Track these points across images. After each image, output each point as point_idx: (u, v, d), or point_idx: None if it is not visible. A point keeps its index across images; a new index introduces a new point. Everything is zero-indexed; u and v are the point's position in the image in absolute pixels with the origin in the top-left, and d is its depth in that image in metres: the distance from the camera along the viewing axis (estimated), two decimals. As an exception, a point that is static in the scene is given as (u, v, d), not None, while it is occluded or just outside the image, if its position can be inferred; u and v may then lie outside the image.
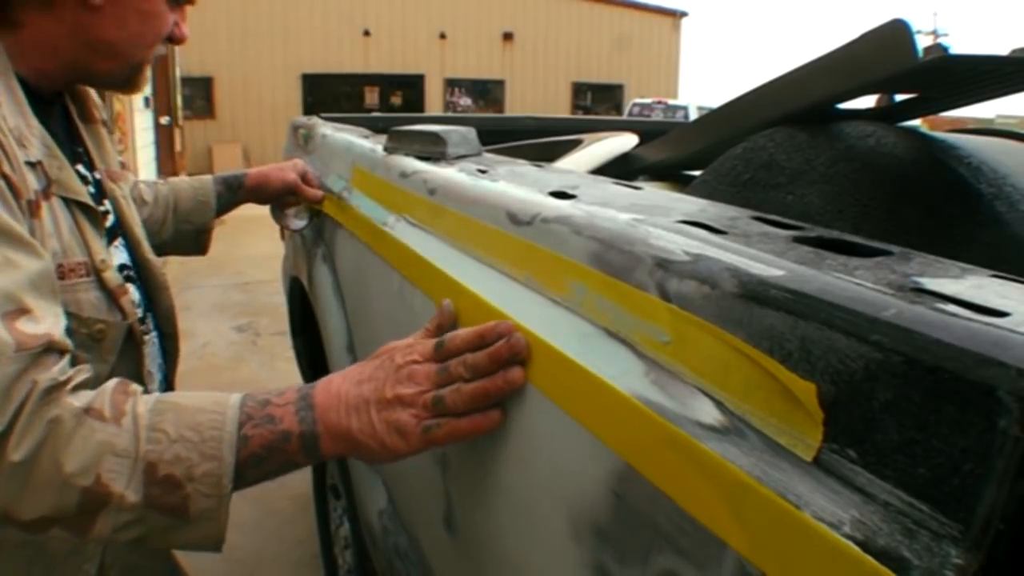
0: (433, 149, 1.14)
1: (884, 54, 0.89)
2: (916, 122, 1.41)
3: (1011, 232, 0.89)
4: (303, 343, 2.18)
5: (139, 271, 0.92)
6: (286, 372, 3.04)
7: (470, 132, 1.18)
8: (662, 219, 0.63)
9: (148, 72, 0.89)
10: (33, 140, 0.74)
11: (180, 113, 8.81)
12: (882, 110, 1.19)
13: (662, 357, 0.52)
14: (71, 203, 0.77)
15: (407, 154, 1.19)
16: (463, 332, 0.66)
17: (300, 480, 2.53)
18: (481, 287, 0.78)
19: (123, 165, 1.03)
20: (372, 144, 1.39)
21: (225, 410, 0.63)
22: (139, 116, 6.91)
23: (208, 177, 1.33)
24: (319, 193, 1.42)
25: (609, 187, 0.83)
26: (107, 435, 0.59)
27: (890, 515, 0.35)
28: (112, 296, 0.79)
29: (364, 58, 15.71)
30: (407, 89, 16.53)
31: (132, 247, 0.92)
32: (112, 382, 0.64)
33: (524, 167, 1.02)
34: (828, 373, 0.40)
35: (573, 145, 1.91)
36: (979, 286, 0.43)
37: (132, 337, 0.83)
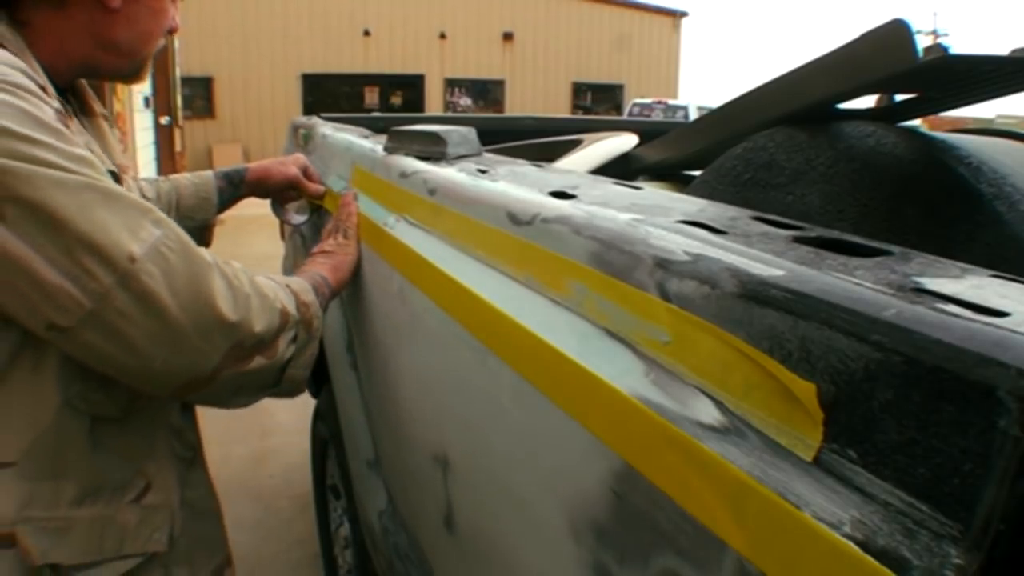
0: (433, 149, 1.14)
1: (884, 54, 0.89)
2: (916, 122, 1.41)
3: (1011, 232, 0.89)
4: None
5: None
6: (286, 372, 3.04)
7: (470, 132, 1.18)
8: (662, 219, 0.63)
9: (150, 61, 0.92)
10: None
11: (180, 113, 8.80)
12: (882, 110, 1.19)
13: (662, 357, 0.52)
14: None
15: (407, 154, 1.19)
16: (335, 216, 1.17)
17: (298, 479, 2.53)
18: (481, 287, 0.78)
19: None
20: (372, 144, 1.39)
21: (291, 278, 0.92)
22: (139, 116, 6.91)
23: (209, 172, 1.33)
24: (320, 188, 1.42)
25: (609, 187, 0.83)
26: (276, 285, 0.84)
27: (890, 515, 0.35)
28: None
29: (364, 58, 15.71)
30: (407, 89, 16.52)
31: None
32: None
33: (524, 167, 1.02)
34: (828, 373, 0.40)
35: (573, 145, 1.91)
36: (979, 286, 0.43)
37: None
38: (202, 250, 0.74)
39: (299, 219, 1.49)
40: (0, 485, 0.71)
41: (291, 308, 0.83)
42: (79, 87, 0.93)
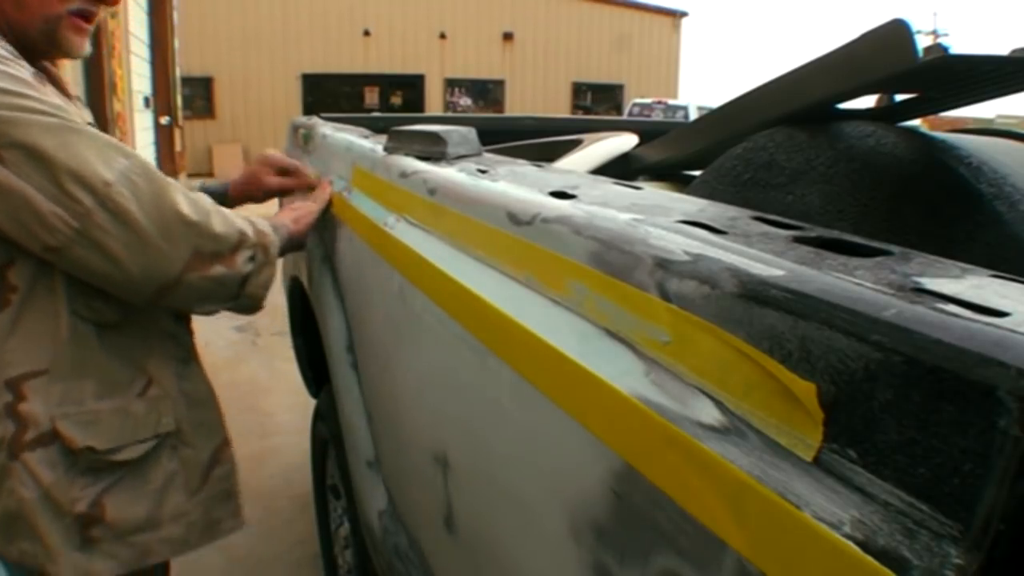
0: (433, 149, 1.14)
1: (884, 54, 0.89)
2: (916, 122, 1.41)
3: (1011, 232, 0.89)
4: (303, 343, 2.18)
5: None
6: (286, 372, 3.04)
7: (470, 132, 1.18)
8: (662, 219, 0.63)
9: (76, 32, 0.94)
10: (51, 93, 0.91)
11: (180, 113, 8.81)
12: (882, 110, 1.19)
13: (662, 357, 0.52)
14: None
15: (407, 154, 1.19)
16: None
17: (299, 479, 2.53)
18: (481, 287, 0.78)
19: None
20: (372, 144, 1.39)
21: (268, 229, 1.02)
22: (139, 116, 6.90)
23: (197, 183, 1.35)
24: (305, 177, 1.39)
25: (609, 187, 0.83)
26: (235, 215, 0.96)
27: (890, 515, 0.35)
28: None
29: (364, 58, 15.70)
30: (407, 89, 16.52)
31: None
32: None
33: (524, 167, 1.02)
34: (828, 373, 0.40)
35: (573, 145, 1.91)
36: (979, 286, 0.43)
37: None
38: (167, 178, 0.88)
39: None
40: (38, 389, 0.89)
41: (248, 231, 0.96)
42: (53, 73, 1.03)
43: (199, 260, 0.90)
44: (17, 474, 0.88)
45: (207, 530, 1.05)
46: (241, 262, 0.95)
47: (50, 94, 0.85)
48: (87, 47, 0.97)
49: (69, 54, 0.97)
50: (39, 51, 0.95)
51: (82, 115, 1.02)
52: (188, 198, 0.90)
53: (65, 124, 0.82)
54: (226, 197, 1.34)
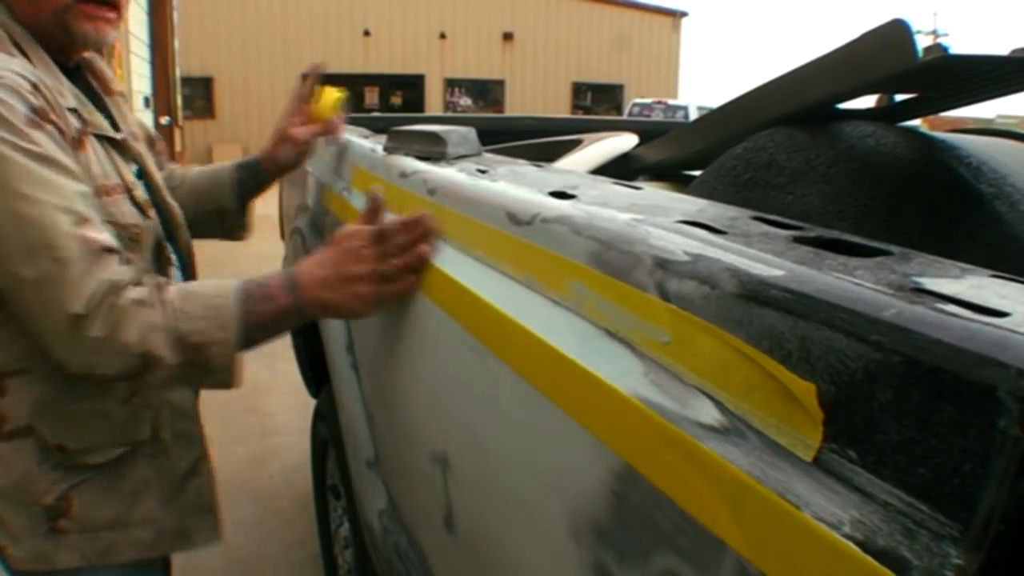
0: (433, 149, 1.14)
1: (884, 54, 0.89)
2: (916, 122, 1.41)
3: (1011, 232, 0.89)
4: (303, 343, 2.18)
5: (160, 212, 1.05)
6: (286, 372, 3.04)
7: (470, 132, 1.18)
8: (662, 219, 0.63)
9: (88, 20, 0.92)
10: (67, 92, 0.91)
11: (180, 113, 8.81)
12: (882, 110, 1.19)
13: (662, 357, 0.52)
14: (102, 139, 0.95)
15: (407, 154, 1.19)
16: (393, 222, 0.91)
17: (301, 480, 2.53)
18: (481, 287, 0.78)
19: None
20: (372, 144, 1.39)
21: (229, 295, 0.85)
22: (139, 116, 6.91)
23: (227, 163, 1.31)
24: (331, 127, 1.28)
25: (609, 187, 0.83)
26: (152, 317, 0.81)
27: (890, 515, 0.35)
28: (142, 208, 0.98)
29: (364, 58, 15.71)
30: (407, 89, 16.53)
31: (152, 191, 1.05)
32: (151, 278, 0.86)
33: (524, 167, 1.02)
34: (828, 373, 0.40)
35: (573, 145, 1.91)
36: (979, 286, 0.43)
37: (160, 257, 1.03)
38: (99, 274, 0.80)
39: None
40: (20, 387, 0.89)
41: (163, 353, 0.81)
42: (97, 69, 1.05)
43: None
44: None
45: (179, 539, 1.03)
46: (158, 379, 0.85)
47: (44, 137, 0.81)
48: (108, 34, 0.95)
49: (88, 44, 0.96)
50: (63, 44, 0.94)
51: (123, 124, 1.03)
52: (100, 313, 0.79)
53: (11, 190, 0.77)
54: (260, 170, 1.27)
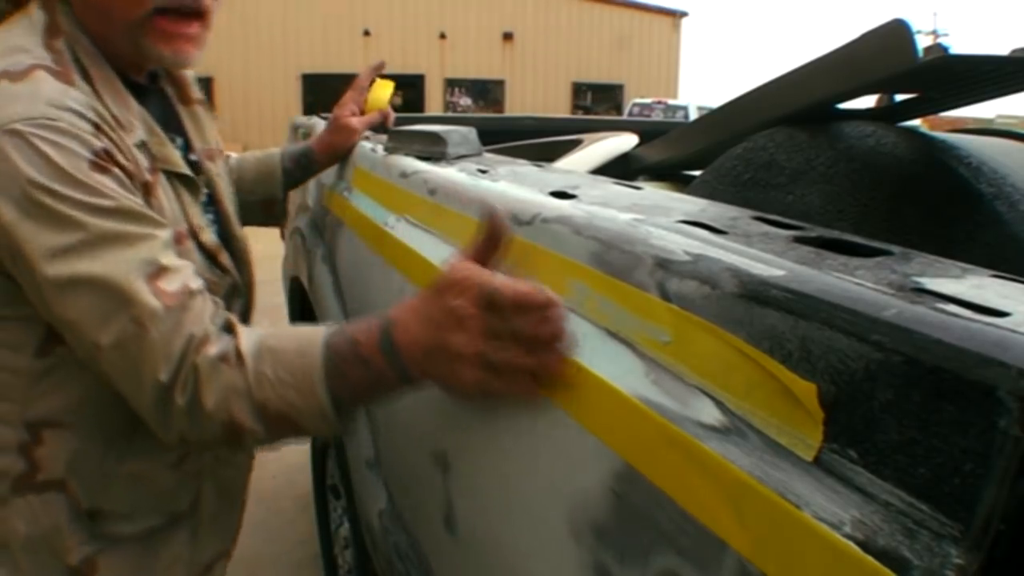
0: (433, 149, 1.14)
1: (884, 54, 0.89)
2: (916, 122, 1.41)
3: (1011, 232, 0.89)
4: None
5: (227, 244, 0.96)
6: (286, 372, 3.04)
7: (470, 132, 1.18)
8: (662, 219, 0.63)
9: (163, 39, 0.80)
10: (136, 122, 0.80)
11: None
12: (882, 110, 1.19)
13: (662, 357, 0.52)
14: (171, 175, 0.84)
15: (407, 154, 1.19)
16: (509, 293, 0.62)
17: (301, 480, 2.53)
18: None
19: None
20: (372, 144, 1.39)
21: (314, 353, 0.70)
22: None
23: (276, 151, 1.32)
24: (385, 116, 1.37)
25: (609, 187, 0.83)
26: (231, 379, 0.69)
27: (890, 515, 0.35)
28: (211, 256, 0.88)
29: (364, 58, 15.70)
30: (407, 89, 16.52)
31: (222, 221, 0.97)
32: (224, 318, 0.74)
33: (524, 167, 1.02)
34: (828, 373, 0.40)
35: (573, 145, 1.91)
36: (979, 286, 0.43)
37: (236, 295, 0.94)
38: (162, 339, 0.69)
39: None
40: (57, 440, 0.80)
41: (248, 422, 0.70)
42: (179, 77, 0.97)
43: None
44: (17, 508, 0.80)
45: None
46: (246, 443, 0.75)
47: (111, 183, 0.71)
48: (190, 55, 0.83)
49: (167, 65, 0.87)
50: (135, 62, 0.84)
51: (202, 137, 0.96)
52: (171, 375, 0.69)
53: (80, 252, 0.68)
54: (312, 160, 1.31)
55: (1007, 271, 0.47)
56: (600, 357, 0.57)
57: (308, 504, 2.20)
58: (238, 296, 0.96)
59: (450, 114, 8.44)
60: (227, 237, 0.96)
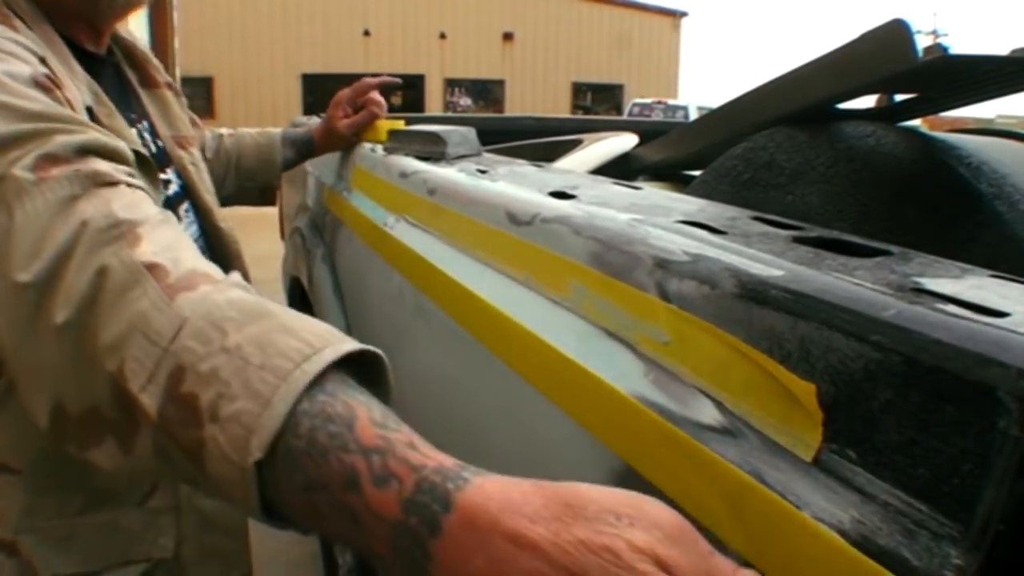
0: (433, 149, 1.14)
1: (884, 54, 0.89)
2: (916, 122, 1.41)
3: (1011, 232, 0.89)
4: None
5: (209, 240, 0.86)
6: (286, 372, 3.04)
7: (470, 132, 1.18)
8: (662, 219, 0.63)
9: None
10: (80, 86, 0.67)
11: (180, 113, 8.80)
12: (882, 110, 1.19)
13: (662, 357, 0.52)
14: None
15: (407, 154, 1.19)
16: None
17: (300, 480, 2.53)
18: (481, 287, 0.78)
19: (194, 123, 1.00)
20: (372, 144, 1.39)
21: (324, 346, 0.39)
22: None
23: (277, 135, 1.28)
24: (373, 113, 1.33)
25: (609, 187, 0.83)
26: (151, 304, 0.43)
27: (890, 515, 0.35)
28: None
29: (364, 58, 15.72)
30: (407, 89, 16.53)
31: (201, 215, 0.86)
32: (207, 265, 0.48)
33: (524, 167, 1.02)
34: (828, 373, 0.40)
35: (573, 145, 1.91)
36: (979, 286, 0.43)
37: None
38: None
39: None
40: (6, 491, 0.66)
41: (134, 384, 0.42)
42: (140, 57, 0.86)
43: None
44: None
45: None
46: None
47: (52, 101, 0.56)
48: None
49: (118, 7, 0.76)
50: (89, 25, 0.74)
51: (172, 124, 0.85)
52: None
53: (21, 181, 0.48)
54: (312, 149, 1.31)
55: (1007, 271, 0.47)
56: (599, 357, 0.57)
57: (308, 504, 2.19)
58: None
59: (450, 114, 8.45)
60: (208, 232, 0.86)
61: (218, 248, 0.87)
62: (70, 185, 0.49)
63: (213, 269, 0.48)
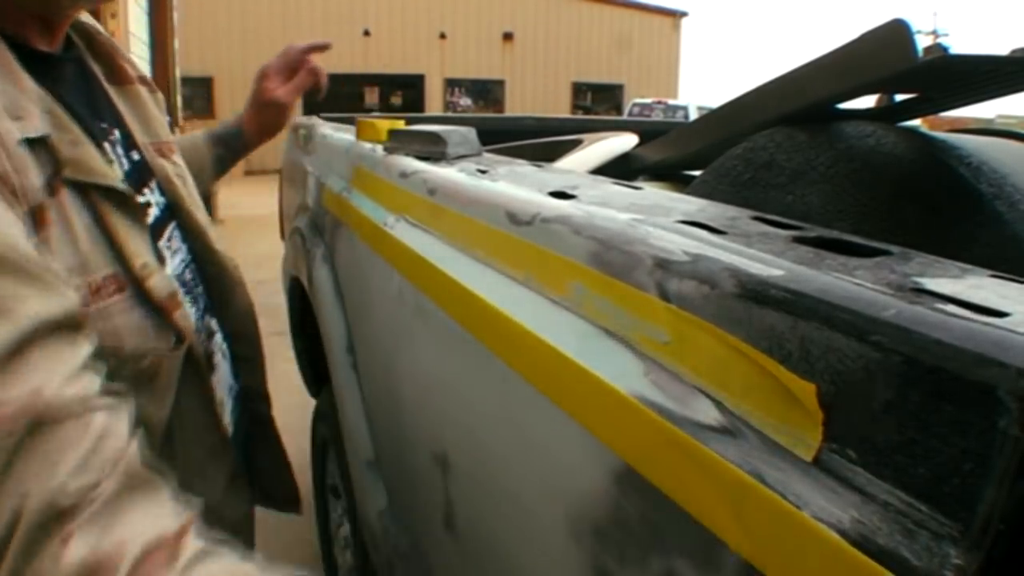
0: (433, 149, 1.14)
1: (884, 54, 0.89)
2: (916, 122, 1.41)
3: (1011, 232, 0.89)
4: (303, 343, 2.18)
5: (203, 267, 0.75)
6: (286, 372, 3.04)
7: (470, 132, 1.18)
8: (662, 219, 0.63)
9: None
10: (32, 108, 0.53)
11: (180, 113, 8.81)
12: (882, 110, 1.19)
13: (662, 357, 0.52)
14: (91, 191, 0.56)
15: (407, 154, 1.19)
16: None
17: (301, 480, 2.52)
18: (481, 287, 0.78)
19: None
20: (372, 144, 1.39)
21: None
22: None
23: (201, 140, 1.10)
24: (315, 74, 1.17)
25: (609, 187, 0.83)
26: None
27: (890, 515, 0.35)
28: (161, 312, 0.59)
29: (364, 58, 15.70)
30: (407, 89, 16.53)
31: (192, 237, 0.74)
32: (154, 534, 0.41)
33: (524, 167, 1.02)
34: (828, 373, 0.40)
35: (573, 145, 1.91)
36: (979, 286, 0.43)
37: (192, 364, 0.65)
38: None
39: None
40: None
41: None
42: (106, 48, 0.73)
43: None
44: None
45: None
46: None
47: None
48: None
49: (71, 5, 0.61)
50: (42, 20, 0.61)
51: (148, 126, 0.73)
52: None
53: None
54: (241, 143, 1.13)
55: (1007, 271, 0.47)
56: (599, 357, 0.57)
57: (308, 504, 2.20)
58: (236, 359, 0.70)
59: (450, 114, 8.44)
60: (201, 257, 0.74)
61: (214, 276, 0.76)
62: (6, 439, 0.38)
63: (169, 541, 0.40)
